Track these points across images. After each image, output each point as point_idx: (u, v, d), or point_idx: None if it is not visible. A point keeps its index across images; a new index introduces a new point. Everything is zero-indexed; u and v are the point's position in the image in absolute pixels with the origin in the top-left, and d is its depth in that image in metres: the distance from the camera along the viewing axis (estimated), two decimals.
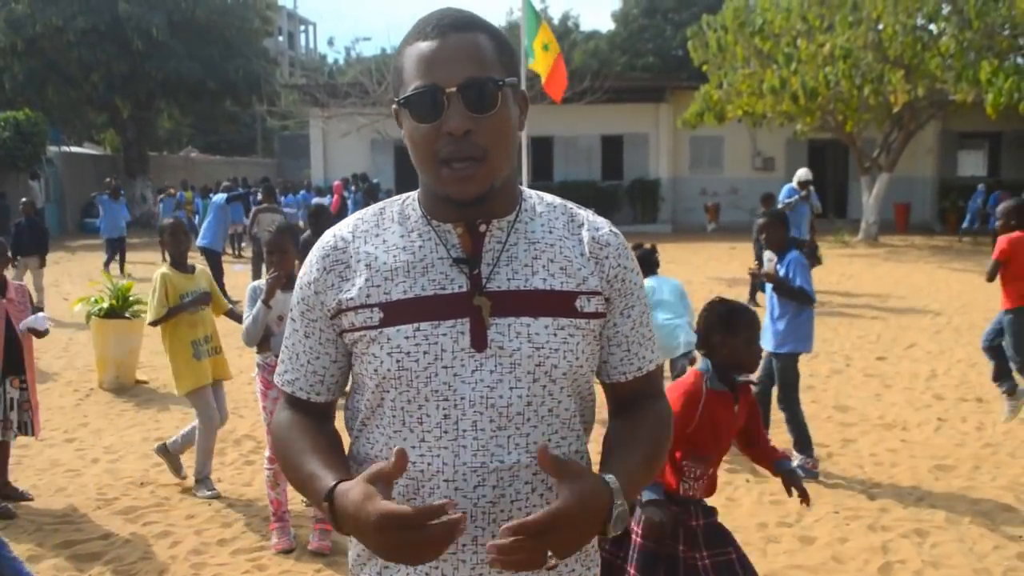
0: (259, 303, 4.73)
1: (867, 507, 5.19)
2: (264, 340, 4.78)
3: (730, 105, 22.16)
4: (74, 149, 33.70)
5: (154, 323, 5.60)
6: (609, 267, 1.61)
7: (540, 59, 13.49)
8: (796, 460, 5.81)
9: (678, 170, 28.80)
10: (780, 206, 11.90)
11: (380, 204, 1.68)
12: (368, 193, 21.76)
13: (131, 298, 8.52)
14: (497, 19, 47.69)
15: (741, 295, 13.68)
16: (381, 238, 1.60)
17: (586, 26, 57.12)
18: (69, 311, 11.24)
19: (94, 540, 4.87)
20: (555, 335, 1.54)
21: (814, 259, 12.68)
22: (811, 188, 12.85)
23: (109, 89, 31.58)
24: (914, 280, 15.34)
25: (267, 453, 4.84)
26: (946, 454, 6.11)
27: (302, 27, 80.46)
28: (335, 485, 1.45)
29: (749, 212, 28.64)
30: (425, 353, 1.52)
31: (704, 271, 16.93)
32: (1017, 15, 18.38)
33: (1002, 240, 6.86)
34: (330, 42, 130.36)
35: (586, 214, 1.68)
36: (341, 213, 22.39)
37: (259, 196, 17.87)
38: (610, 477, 1.47)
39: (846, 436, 6.54)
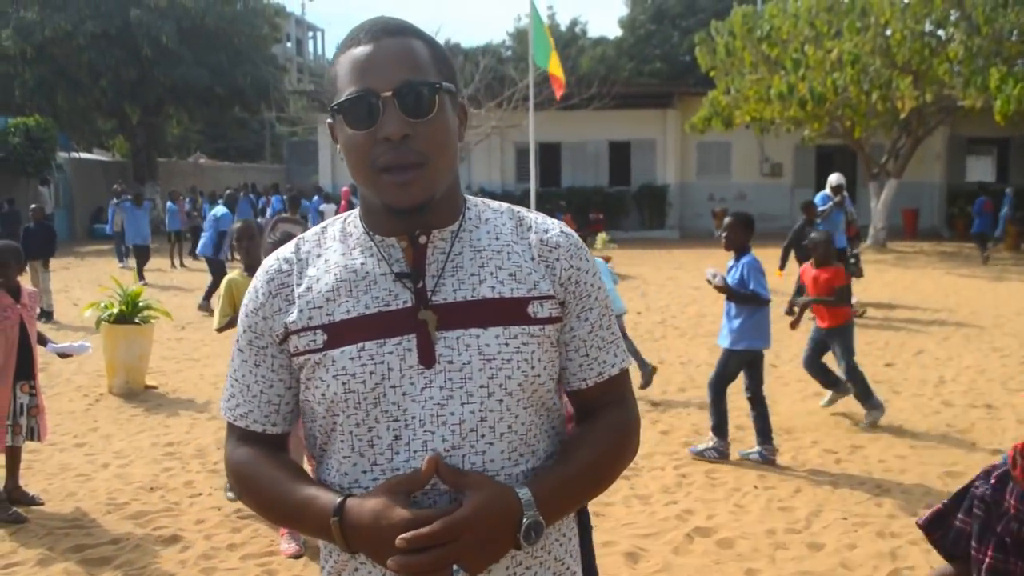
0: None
1: (876, 513, 5.19)
2: None
3: (738, 111, 22.16)
4: (83, 155, 33.83)
5: (219, 330, 5.53)
6: (561, 269, 1.55)
7: (555, 61, 13.60)
8: (754, 449, 6.14)
9: (686, 176, 28.80)
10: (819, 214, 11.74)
11: (323, 224, 1.63)
12: None
13: (141, 303, 8.55)
14: (505, 25, 47.65)
15: None
16: (323, 258, 1.55)
17: (593, 32, 57.26)
18: (79, 316, 11.29)
19: (104, 544, 4.89)
20: (507, 345, 1.48)
21: (856, 270, 12.35)
22: (845, 194, 12.39)
23: (118, 95, 31.70)
24: (922, 286, 15.32)
25: None
26: (955, 460, 6.10)
27: (310, 33, 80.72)
28: (344, 500, 1.42)
29: (756, 218, 28.67)
30: (372, 373, 1.46)
31: None
32: None
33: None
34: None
35: (534, 216, 1.62)
36: None
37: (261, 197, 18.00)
38: (523, 489, 1.43)
39: (855, 442, 6.53)
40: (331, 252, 1.55)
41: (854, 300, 11.71)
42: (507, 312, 1.49)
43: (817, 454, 6.27)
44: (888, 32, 19.34)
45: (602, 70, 37.92)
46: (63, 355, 5.65)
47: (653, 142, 28.45)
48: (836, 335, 7.12)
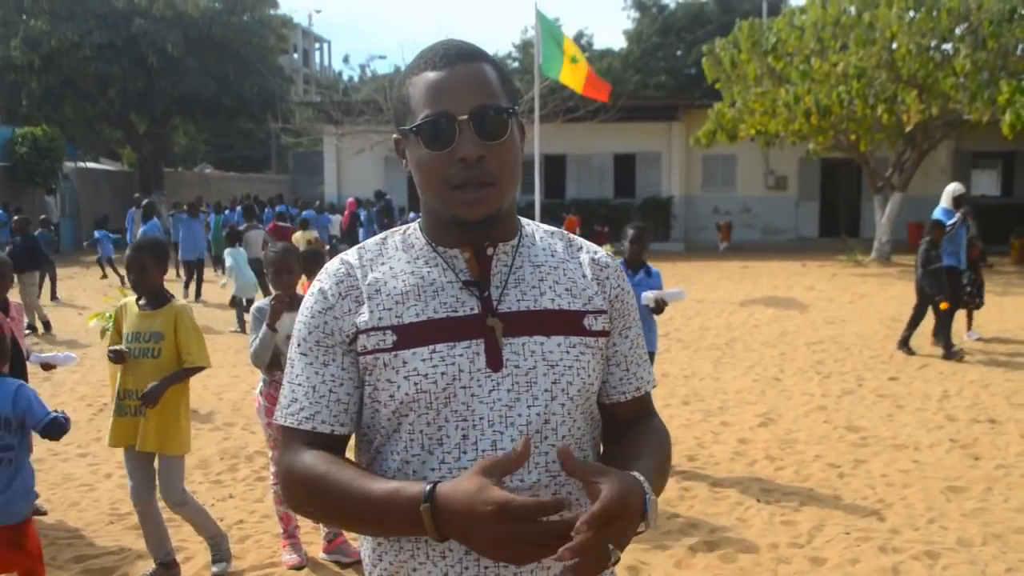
0: (264, 327, 4.65)
1: (878, 528, 5.18)
2: (274, 360, 4.71)
3: (742, 124, 22.19)
4: (90, 165, 33.95)
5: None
6: (610, 287, 1.67)
7: (570, 72, 13.57)
8: None
9: (690, 188, 28.82)
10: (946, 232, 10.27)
11: (381, 235, 1.70)
12: (382, 211, 21.87)
13: None
14: (512, 37, 47.77)
15: (754, 314, 13.70)
16: (387, 265, 1.62)
17: (599, 44, 57.38)
18: (83, 326, 11.31)
19: (107, 555, 4.90)
20: (568, 353, 1.57)
21: (973, 299, 11.09)
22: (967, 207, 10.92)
23: (125, 105, 31.87)
24: None
25: (273, 469, 4.87)
26: (958, 475, 6.09)
27: (317, 45, 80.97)
28: (435, 486, 1.42)
29: (761, 231, 28.71)
30: (443, 374, 1.53)
31: (716, 290, 16.93)
32: None
33: None
34: (345, 60, 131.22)
35: (582, 241, 1.74)
36: (351, 231, 22.54)
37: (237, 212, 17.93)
38: (635, 473, 1.49)
39: (858, 456, 6.52)
40: (395, 260, 1.63)
41: (973, 336, 11.18)
42: (567, 323, 1.60)
43: (820, 468, 6.26)
44: (894, 46, 19.36)
45: (608, 82, 37.99)
46: (46, 366, 5.38)
47: (658, 155, 28.48)
48: None
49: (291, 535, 4.86)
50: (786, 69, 20.78)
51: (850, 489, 5.85)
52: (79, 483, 6.11)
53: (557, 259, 1.66)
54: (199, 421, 7.76)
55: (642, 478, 1.48)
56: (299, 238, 14.68)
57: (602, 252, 1.72)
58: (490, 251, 1.60)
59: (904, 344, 10.42)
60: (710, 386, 8.83)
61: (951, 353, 9.92)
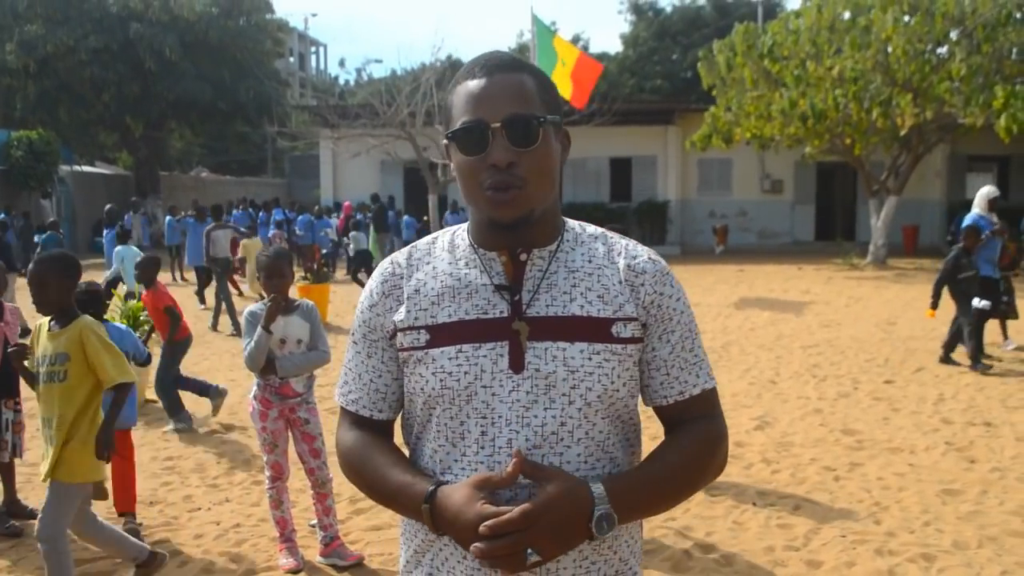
0: (259, 329, 4.65)
1: (874, 531, 5.19)
2: (268, 363, 4.72)
3: (738, 128, 22.22)
4: (86, 168, 33.92)
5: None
6: (645, 293, 1.69)
7: (560, 77, 13.47)
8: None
9: (686, 192, 28.86)
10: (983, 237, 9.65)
11: (436, 233, 1.81)
12: (376, 214, 21.89)
13: (142, 318, 8.56)
14: (507, 41, 47.81)
15: (750, 317, 13.72)
16: (432, 265, 1.72)
17: (595, 48, 57.20)
18: None
19: (103, 559, 4.89)
20: (590, 359, 1.62)
21: (1008, 309, 10.30)
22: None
23: (121, 109, 31.85)
24: (922, 303, 15.26)
25: (268, 473, 4.87)
26: (954, 478, 6.10)
27: (313, 48, 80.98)
28: (436, 489, 1.59)
29: (757, 235, 28.75)
30: (466, 373, 1.62)
31: (712, 293, 16.95)
32: None
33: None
34: (341, 63, 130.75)
35: (625, 243, 1.76)
36: (347, 233, 22.57)
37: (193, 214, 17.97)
38: (596, 484, 1.55)
39: (853, 460, 6.53)
40: (439, 260, 1.73)
41: (1011, 345, 10.58)
42: (593, 330, 1.64)
43: (816, 471, 6.27)
44: (889, 49, 19.40)
45: (604, 86, 38.00)
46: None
47: (654, 158, 28.51)
48: None
49: (287, 539, 4.87)
50: (781, 73, 20.83)
51: (846, 492, 5.86)
52: None
53: (594, 265, 1.70)
54: (195, 425, 7.76)
55: (600, 490, 1.54)
56: (248, 245, 14.75)
57: (643, 257, 1.73)
58: (523, 256, 1.67)
59: (948, 356, 9.93)
60: None
61: (980, 365, 9.42)
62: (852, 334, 12.09)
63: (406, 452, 1.78)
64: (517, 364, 1.61)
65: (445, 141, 1.69)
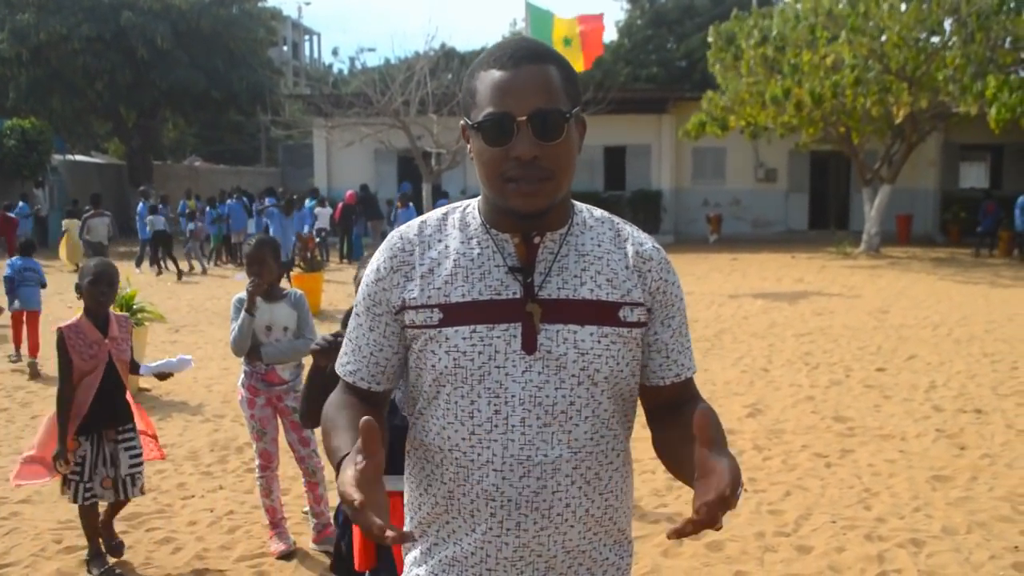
0: (243, 313, 4.66)
1: (864, 517, 5.22)
2: (253, 349, 4.74)
3: (733, 115, 22.23)
4: (79, 157, 33.82)
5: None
6: (651, 280, 1.74)
7: (568, 56, 13.41)
8: None
9: (680, 181, 28.86)
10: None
11: (444, 209, 1.80)
12: (365, 202, 21.93)
13: (135, 306, 8.57)
14: (501, 30, 47.62)
15: (743, 306, 13.75)
16: (444, 243, 1.73)
17: None
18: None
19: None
20: (599, 342, 1.67)
21: None
22: None
23: (114, 98, 31.75)
24: (915, 291, 15.37)
25: (257, 462, 4.89)
26: (944, 465, 6.13)
27: (306, 37, 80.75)
28: (343, 457, 1.56)
29: (751, 223, 28.78)
30: (480, 353, 1.65)
31: (706, 282, 16.98)
32: (1019, 29, 18.43)
33: None
34: (334, 52, 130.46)
35: (631, 229, 1.80)
36: (344, 222, 22.57)
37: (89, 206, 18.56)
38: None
39: (844, 446, 6.56)
40: (451, 239, 1.73)
41: None
42: (602, 313, 1.68)
43: (807, 458, 6.30)
44: (883, 38, 19.40)
45: (598, 75, 37.98)
46: (162, 375, 4.76)
47: (648, 147, 28.50)
48: None
49: (276, 525, 4.89)
50: (778, 59, 20.83)
51: (836, 478, 5.89)
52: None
53: (603, 249, 1.73)
54: (188, 413, 7.77)
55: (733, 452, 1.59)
56: (68, 223, 16.03)
57: (648, 244, 1.78)
58: (537, 240, 1.69)
59: None
60: (699, 377, 8.77)
61: None
62: (845, 322, 12.13)
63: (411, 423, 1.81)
64: (530, 345, 1.64)
65: (463, 122, 1.69)
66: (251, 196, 26.40)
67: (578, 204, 1.80)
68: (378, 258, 1.77)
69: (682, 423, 1.73)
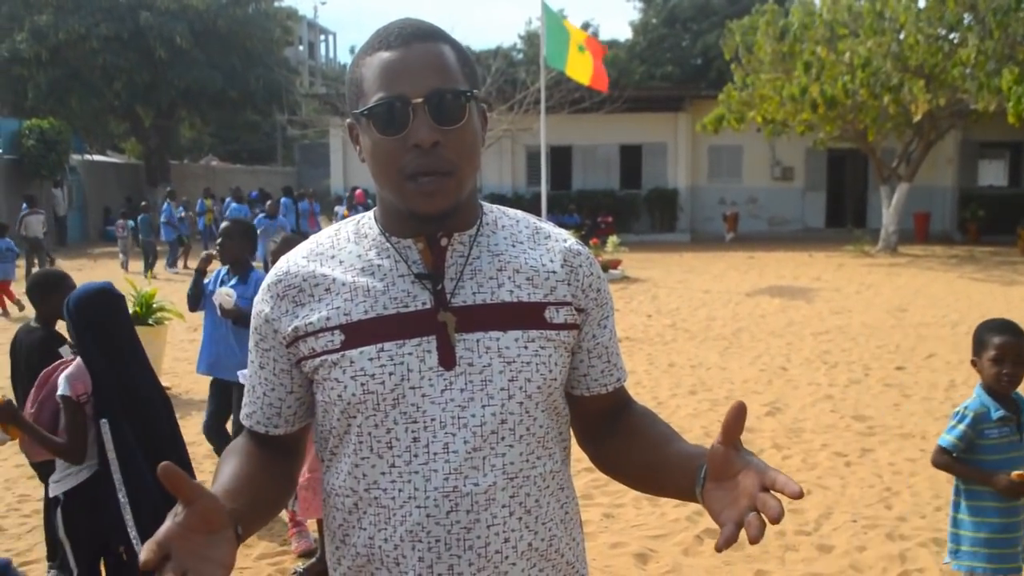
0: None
1: (885, 516, 5.20)
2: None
3: (751, 111, 22.16)
4: (97, 157, 34.01)
5: None
6: (583, 276, 1.57)
7: (578, 62, 13.47)
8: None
9: (697, 179, 28.78)
10: None
11: (335, 226, 1.61)
12: (349, 202, 22.08)
13: (155, 305, 8.61)
14: (516, 29, 47.65)
15: (761, 304, 13.71)
16: (337, 259, 1.53)
17: (605, 35, 56.91)
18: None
19: None
20: (526, 348, 1.48)
21: None
22: None
23: (131, 98, 31.89)
24: (933, 290, 15.29)
25: None
26: None
27: (322, 37, 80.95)
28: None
29: (767, 222, 28.69)
30: (391, 374, 1.44)
31: (723, 280, 16.94)
32: None
33: None
34: (351, 51, 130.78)
35: (550, 227, 1.63)
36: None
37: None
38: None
39: (864, 445, 6.54)
40: (345, 253, 1.54)
41: None
42: (525, 316, 1.49)
43: (827, 456, 6.28)
44: (902, 36, 19.31)
45: (613, 74, 37.91)
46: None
47: (664, 145, 28.44)
48: None
49: (297, 524, 4.92)
50: (797, 56, 20.75)
51: (857, 477, 5.87)
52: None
53: (519, 248, 1.55)
54: (196, 410, 7.79)
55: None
56: None
57: (572, 240, 1.61)
58: (444, 241, 1.50)
59: None
60: (717, 376, 8.85)
61: None
62: (863, 321, 12.07)
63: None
64: (448, 360, 1.45)
65: (349, 120, 1.51)
66: (267, 195, 26.49)
67: (488, 205, 1.61)
68: (262, 290, 1.56)
69: (634, 429, 1.63)
